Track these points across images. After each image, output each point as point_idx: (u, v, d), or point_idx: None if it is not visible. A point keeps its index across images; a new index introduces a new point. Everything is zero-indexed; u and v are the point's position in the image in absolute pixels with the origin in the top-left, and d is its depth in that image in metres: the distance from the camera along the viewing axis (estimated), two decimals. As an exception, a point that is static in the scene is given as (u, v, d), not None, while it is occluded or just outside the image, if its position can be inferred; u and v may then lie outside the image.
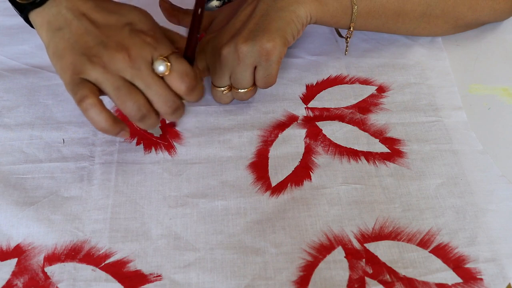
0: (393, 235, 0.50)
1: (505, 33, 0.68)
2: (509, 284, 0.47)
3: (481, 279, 0.47)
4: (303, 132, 0.58)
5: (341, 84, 0.63)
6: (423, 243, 0.50)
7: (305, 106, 0.61)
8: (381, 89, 0.62)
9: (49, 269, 0.49)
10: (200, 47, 0.57)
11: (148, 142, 0.58)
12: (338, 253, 0.49)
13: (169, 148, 0.58)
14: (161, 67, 0.47)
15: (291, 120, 0.60)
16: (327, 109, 0.61)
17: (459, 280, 0.47)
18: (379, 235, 0.50)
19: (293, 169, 0.55)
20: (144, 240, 0.51)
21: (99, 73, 0.47)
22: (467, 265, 0.48)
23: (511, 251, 0.49)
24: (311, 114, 0.60)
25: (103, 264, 0.49)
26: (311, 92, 0.62)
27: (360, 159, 0.56)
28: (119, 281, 0.48)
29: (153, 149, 0.58)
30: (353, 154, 0.56)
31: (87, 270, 0.49)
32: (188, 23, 0.52)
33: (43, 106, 0.61)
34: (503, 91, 0.62)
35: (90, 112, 0.47)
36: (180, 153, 0.57)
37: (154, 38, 0.48)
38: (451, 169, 0.55)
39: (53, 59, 0.49)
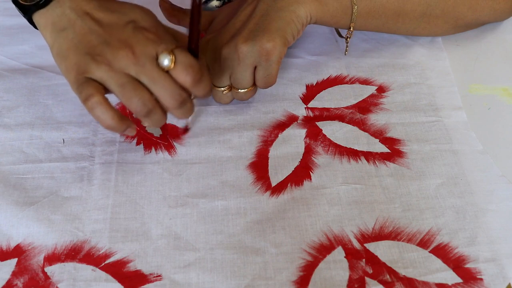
0: (393, 235, 0.50)
1: (505, 33, 0.68)
2: (509, 284, 0.47)
3: (481, 279, 0.47)
4: (303, 132, 0.58)
5: (341, 84, 0.63)
6: (423, 243, 0.50)
7: (305, 106, 0.61)
8: (381, 89, 0.62)
9: (49, 269, 0.49)
10: (200, 47, 0.57)
11: (148, 142, 0.58)
12: (338, 253, 0.49)
13: (169, 148, 0.58)
14: (165, 61, 0.47)
15: (291, 120, 0.60)
16: (327, 109, 0.61)
17: (459, 280, 0.47)
18: (379, 235, 0.50)
19: (293, 169, 0.55)
20: (144, 240, 0.51)
21: (103, 72, 0.47)
22: (467, 265, 0.48)
23: (511, 251, 0.49)
24: (311, 114, 0.60)
25: (103, 264, 0.49)
26: (311, 92, 0.62)
27: (360, 159, 0.56)
28: (119, 281, 0.48)
29: (153, 149, 0.58)
30: (353, 154, 0.56)
31: (87, 270, 0.49)
32: (188, 23, 0.52)
33: (43, 106, 0.61)
34: (503, 91, 0.62)
35: (96, 111, 0.47)
36: (180, 153, 0.57)
37: (157, 34, 0.48)
38: (451, 169, 0.55)
39: (57, 59, 0.49)
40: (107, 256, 0.50)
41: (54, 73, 0.64)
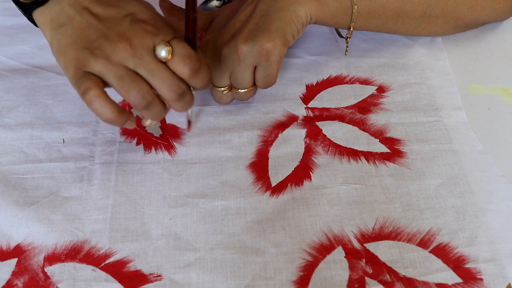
0: (393, 235, 0.50)
1: (505, 33, 0.68)
2: (509, 284, 0.47)
3: (481, 279, 0.47)
4: (303, 132, 0.58)
5: (341, 84, 0.63)
6: (423, 243, 0.50)
7: (305, 106, 0.61)
8: (381, 89, 0.62)
9: (49, 269, 0.49)
10: (200, 47, 0.57)
11: (148, 142, 0.58)
12: (338, 253, 0.49)
13: (169, 148, 0.58)
14: (162, 52, 0.47)
15: (291, 120, 0.60)
16: (327, 109, 0.61)
17: (459, 280, 0.47)
18: (379, 235, 0.50)
19: (293, 169, 0.55)
20: (144, 240, 0.51)
21: (101, 65, 0.47)
22: (467, 265, 0.48)
23: (511, 251, 0.49)
24: (311, 114, 0.60)
25: (103, 264, 0.49)
26: (311, 92, 0.62)
27: (360, 159, 0.56)
28: (119, 281, 0.48)
29: (153, 149, 0.58)
30: (353, 154, 0.56)
31: (87, 270, 0.49)
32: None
33: (43, 106, 0.61)
34: (503, 91, 0.62)
35: (95, 104, 0.47)
36: (180, 153, 0.57)
37: (155, 26, 0.48)
38: (451, 169, 0.55)
39: (56, 56, 0.49)
40: (107, 256, 0.50)
41: (54, 73, 0.64)
